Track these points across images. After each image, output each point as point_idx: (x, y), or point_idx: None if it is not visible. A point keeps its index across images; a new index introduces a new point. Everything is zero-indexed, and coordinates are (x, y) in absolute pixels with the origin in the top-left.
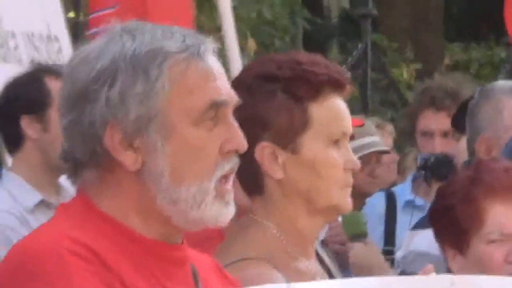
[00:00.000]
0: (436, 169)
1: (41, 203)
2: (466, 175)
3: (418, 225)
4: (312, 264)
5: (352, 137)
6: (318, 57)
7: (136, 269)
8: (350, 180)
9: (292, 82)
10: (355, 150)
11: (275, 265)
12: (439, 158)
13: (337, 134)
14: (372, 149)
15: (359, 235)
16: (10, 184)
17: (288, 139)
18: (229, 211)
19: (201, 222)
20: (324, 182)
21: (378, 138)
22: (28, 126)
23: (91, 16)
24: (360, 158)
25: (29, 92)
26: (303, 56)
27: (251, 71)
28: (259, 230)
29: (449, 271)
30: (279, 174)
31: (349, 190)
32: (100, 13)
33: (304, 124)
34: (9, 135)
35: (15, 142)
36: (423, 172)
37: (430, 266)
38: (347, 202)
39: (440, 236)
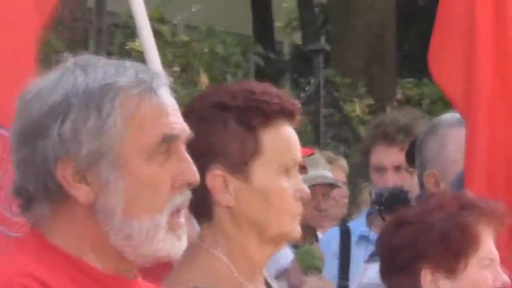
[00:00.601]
0: (391, 203)
1: None
2: (445, 203)
3: (372, 258)
4: None
5: (305, 169)
6: (270, 87)
7: None
8: (300, 209)
9: (245, 111)
10: (308, 180)
11: None
12: (393, 192)
13: (288, 163)
14: (317, 182)
15: (313, 269)
16: None
17: (239, 167)
18: (181, 245)
19: (153, 256)
20: (275, 211)
21: (327, 171)
22: None
23: None
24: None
25: None
26: (256, 85)
27: (204, 100)
28: (206, 258)
29: None
30: (230, 202)
31: (299, 218)
32: None
33: (255, 152)
34: None
35: None
36: (377, 206)
37: None
38: (297, 230)
39: (411, 263)
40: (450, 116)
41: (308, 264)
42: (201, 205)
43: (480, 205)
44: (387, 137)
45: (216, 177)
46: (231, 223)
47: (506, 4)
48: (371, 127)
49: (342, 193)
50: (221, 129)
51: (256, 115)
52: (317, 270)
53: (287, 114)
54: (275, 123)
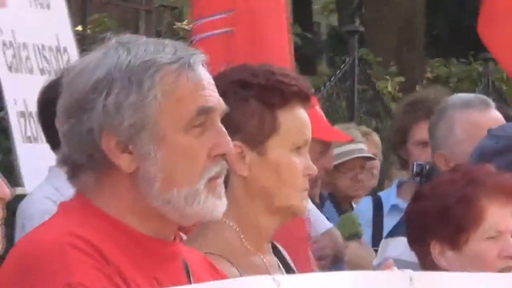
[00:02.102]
0: (431, 175)
1: None
2: (456, 178)
3: (392, 233)
4: (267, 258)
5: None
6: (288, 70)
7: (133, 263)
8: (307, 185)
9: (265, 90)
10: (342, 155)
11: (231, 260)
12: (433, 166)
13: (300, 142)
14: (357, 155)
15: (354, 235)
16: (54, 176)
17: (256, 142)
18: (222, 204)
19: (196, 217)
20: (285, 184)
21: (364, 145)
22: None
23: (197, 23)
24: (346, 162)
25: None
26: (275, 67)
27: (227, 76)
28: (218, 227)
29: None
30: (245, 172)
31: (306, 194)
32: (209, 19)
33: (272, 129)
34: (51, 135)
35: (55, 141)
36: (418, 178)
37: (390, 262)
38: (303, 205)
39: (422, 234)
40: (458, 97)
41: (349, 230)
42: None
43: (487, 180)
44: (430, 114)
45: (235, 148)
46: (243, 192)
47: None
48: (411, 103)
49: (374, 164)
50: (242, 105)
51: (276, 95)
52: (358, 235)
53: (302, 97)
54: (292, 104)
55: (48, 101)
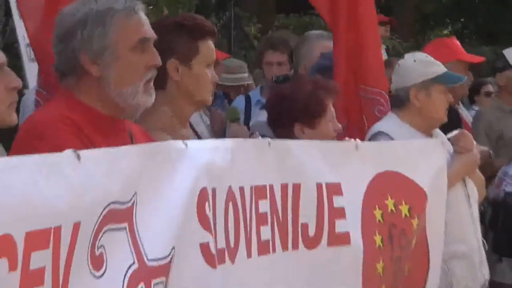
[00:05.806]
0: (283, 82)
1: None
2: (311, 84)
3: (262, 108)
4: (189, 132)
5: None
6: (202, 17)
7: (98, 132)
8: (211, 87)
9: (192, 28)
10: (237, 79)
11: (167, 132)
12: (285, 77)
13: (210, 61)
14: (244, 82)
15: (235, 119)
16: None
17: (186, 60)
18: (151, 99)
19: (137, 105)
20: (202, 87)
21: (246, 75)
22: None
23: None
24: (236, 85)
25: None
26: (195, 15)
27: (168, 20)
28: (159, 111)
29: (276, 136)
30: (178, 78)
31: (212, 91)
32: None
33: (195, 52)
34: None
35: None
36: (276, 84)
37: (257, 134)
38: (210, 99)
39: (288, 120)
40: (314, 32)
41: (233, 115)
42: (161, 79)
43: (327, 85)
44: (273, 46)
45: (172, 63)
46: (176, 91)
47: None
48: (264, 40)
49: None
50: (178, 38)
51: (198, 31)
52: (237, 119)
53: (212, 33)
54: (207, 37)
55: None
